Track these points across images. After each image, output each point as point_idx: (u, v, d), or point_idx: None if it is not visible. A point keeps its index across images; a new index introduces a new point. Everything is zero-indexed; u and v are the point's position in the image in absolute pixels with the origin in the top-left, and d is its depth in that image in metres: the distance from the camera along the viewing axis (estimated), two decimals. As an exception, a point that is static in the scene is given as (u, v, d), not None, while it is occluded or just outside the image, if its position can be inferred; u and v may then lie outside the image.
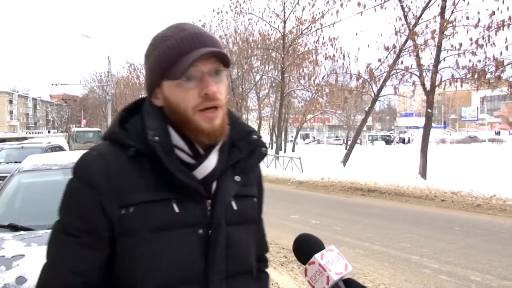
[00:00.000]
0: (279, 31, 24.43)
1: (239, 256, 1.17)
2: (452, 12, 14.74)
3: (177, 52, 1.10)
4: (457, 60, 14.85)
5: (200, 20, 30.20)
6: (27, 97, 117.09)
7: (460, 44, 14.75)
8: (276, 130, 31.51)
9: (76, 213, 1.08)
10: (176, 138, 1.13)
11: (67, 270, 1.07)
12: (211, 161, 1.14)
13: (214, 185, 1.15)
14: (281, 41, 24.42)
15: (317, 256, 1.12)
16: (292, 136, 50.60)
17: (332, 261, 1.11)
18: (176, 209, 1.08)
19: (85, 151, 1.16)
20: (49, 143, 16.55)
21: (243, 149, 1.21)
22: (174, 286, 1.07)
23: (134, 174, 1.08)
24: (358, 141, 34.39)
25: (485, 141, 51.72)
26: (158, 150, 1.07)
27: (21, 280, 2.66)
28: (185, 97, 1.10)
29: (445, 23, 14.38)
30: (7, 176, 4.64)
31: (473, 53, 14.38)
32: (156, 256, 1.06)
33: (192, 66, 1.08)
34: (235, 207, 1.18)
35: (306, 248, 1.17)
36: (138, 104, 1.21)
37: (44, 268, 1.12)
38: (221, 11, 26.30)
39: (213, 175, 1.14)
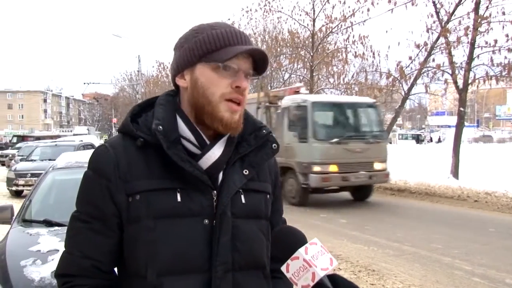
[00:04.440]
0: (308, 29, 24.28)
1: (247, 249, 1.16)
2: (487, 7, 14.29)
3: (226, 40, 1.13)
4: (491, 57, 14.42)
5: (229, 19, 30.43)
6: (61, 96, 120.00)
7: (495, 41, 14.31)
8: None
9: (88, 200, 1.15)
10: (183, 129, 1.16)
11: (80, 255, 1.13)
12: (215, 152, 1.16)
13: (220, 176, 1.18)
14: (310, 39, 24.27)
15: (301, 250, 1.03)
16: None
17: (317, 255, 1.03)
18: (178, 198, 1.11)
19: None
20: (81, 141, 17.07)
21: (252, 143, 1.23)
22: (177, 273, 1.09)
23: (141, 164, 1.13)
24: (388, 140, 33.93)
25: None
26: (160, 139, 1.10)
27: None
28: (218, 82, 1.12)
29: (479, 19, 13.98)
30: (42, 173, 4.78)
31: (509, 50, 13.96)
32: (159, 243, 1.08)
33: (236, 57, 1.11)
34: (243, 200, 1.19)
35: (287, 242, 1.08)
36: (153, 101, 1.24)
37: (62, 254, 1.18)
38: (250, 10, 26.34)
39: (218, 166, 1.16)
